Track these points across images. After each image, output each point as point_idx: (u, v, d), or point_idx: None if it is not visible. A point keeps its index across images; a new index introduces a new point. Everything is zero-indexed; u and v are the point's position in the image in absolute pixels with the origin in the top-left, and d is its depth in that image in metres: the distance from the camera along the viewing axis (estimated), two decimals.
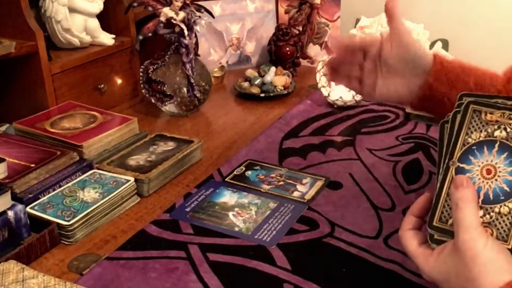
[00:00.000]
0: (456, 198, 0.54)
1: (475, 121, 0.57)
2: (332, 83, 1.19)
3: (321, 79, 1.22)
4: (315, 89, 1.30)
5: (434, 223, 0.57)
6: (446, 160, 0.58)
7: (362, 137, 1.09)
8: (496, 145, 0.56)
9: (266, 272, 0.71)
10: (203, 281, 0.69)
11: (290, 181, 0.92)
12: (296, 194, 0.89)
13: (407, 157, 1.01)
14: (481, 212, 0.54)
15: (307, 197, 0.88)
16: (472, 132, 0.57)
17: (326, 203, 0.87)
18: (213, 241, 0.77)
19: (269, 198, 0.87)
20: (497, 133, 0.56)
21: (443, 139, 0.59)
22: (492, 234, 0.54)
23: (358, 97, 1.21)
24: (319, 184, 0.92)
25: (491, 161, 0.55)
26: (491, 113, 0.57)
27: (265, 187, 0.91)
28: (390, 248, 0.75)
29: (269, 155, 1.02)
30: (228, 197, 0.88)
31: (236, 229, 0.80)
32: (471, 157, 0.56)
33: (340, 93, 1.20)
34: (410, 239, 0.59)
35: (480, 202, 0.55)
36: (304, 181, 0.93)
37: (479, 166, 0.56)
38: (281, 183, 0.92)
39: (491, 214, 0.54)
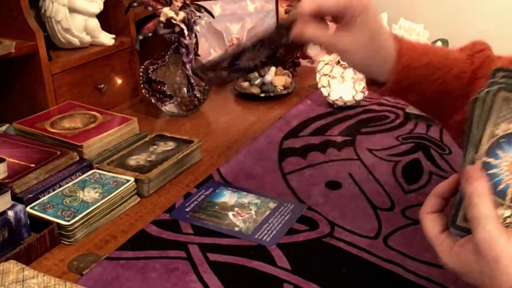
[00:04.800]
0: (469, 192, 0.51)
1: (505, 110, 0.51)
2: (332, 83, 1.19)
3: (321, 79, 1.22)
4: (315, 89, 1.30)
5: (458, 223, 0.53)
6: (472, 153, 0.53)
7: (362, 137, 1.09)
8: None
9: (266, 272, 0.71)
10: (203, 281, 0.69)
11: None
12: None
13: (407, 157, 1.01)
14: (508, 212, 0.51)
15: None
16: (500, 123, 0.51)
17: (326, 203, 0.87)
18: (213, 241, 0.77)
19: (269, 197, 0.87)
20: None
21: (471, 126, 0.53)
22: None
23: (358, 97, 1.21)
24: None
25: None
26: None
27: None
28: (390, 248, 0.75)
29: (269, 155, 1.02)
30: (228, 197, 0.88)
31: (236, 229, 0.80)
32: (499, 151, 0.51)
33: (340, 93, 1.20)
34: (431, 224, 0.56)
35: (508, 201, 0.51)
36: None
37: (507, 161, 0.51)
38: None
39: None
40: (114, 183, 0.87)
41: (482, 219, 0.50)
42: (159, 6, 1.15)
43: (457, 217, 0.53)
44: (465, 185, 0.51)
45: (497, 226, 0.49)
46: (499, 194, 0.52)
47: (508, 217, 0.51)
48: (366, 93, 1.22)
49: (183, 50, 1.16)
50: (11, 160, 0.86)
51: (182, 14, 1.15)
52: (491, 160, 0.52)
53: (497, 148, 0.51)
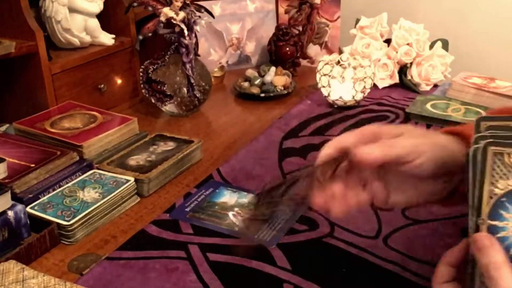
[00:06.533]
0: (484, 264, 0.45)
1: (498, 166, 0.47)
2: (332, 83, 1.19)
3: (321, 79, 1.22)
4: (315, 89, 1.30)
5: None
6: (474, 218, 0.47)
7: None
8: None
9: (266, 272, 0.71)
10: (203, 281, 0.69)
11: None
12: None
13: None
14: None
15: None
16: (497, 180, 0.47)
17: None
18: (213, 241, 0.77)
19: None
20: None
21: (468, 188, 0.48)
22: None
23: (358, 97, 1.21)
24: None
25: None
26: None
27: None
28: (390, 248, 0.75)
29: (269, 155, 1.02)
30: (228, 197, 0.88)
31: (236, 229, 0.80)
32: (502, 212, 0.47)
33: (340, 93, 1.20)
34: None
35: None
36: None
37: None
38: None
39: None
40: (114, 183, 0.87)
41: None
42: (159, 6, 1.15)
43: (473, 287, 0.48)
44: (478, 255, 0.46)
45: None
46: None
47: None
48: (366, 93, 1.22)
49: (183, 50, 1.16)
50: (11, 160, 0.86)
51: (182, 14, 1.15)
52: (496, 222, 0.47)
53: (500, 209, 0.47)
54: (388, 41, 1.36)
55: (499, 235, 0.46)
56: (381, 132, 0.57)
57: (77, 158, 0.92)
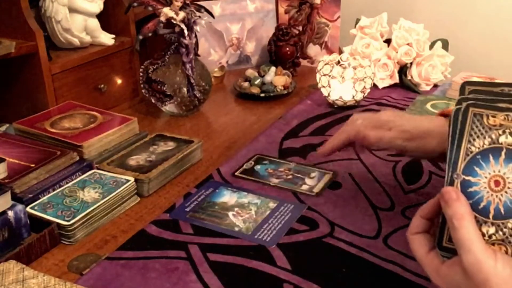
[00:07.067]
0: (449, 215, 0.50)
1: (476, 126, 0.51)
2: (332, 83, 1.19)
3: (321, 79, 1.22)
4: (315, 89, 1.30)
5: (444, 244, 0.52)
6: (450, 173, 0.52)
7: None
8: (503, 153, 0.50)
9: (266, 272, 0.71)
10: (203, 281, 0.69)
11: (299, 175, 0.94)
12: (304, 187, 0.90)
13: (407, 157, 1.01)
14: (492, 229, 0.49)
15: (316, 190, 0.89)
16: (475, 139, 0.51)
17: (325, 203, 0.87)
18: (213, 241, 0.77)
19: (269, 197, 0.87)
20: (502, 139, 0.50)
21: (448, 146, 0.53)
22: (506, 252, 0.49)
23: (358, 97, 1.21)
24: (326, 178, 0.93)
25: (499, 171, 0.50)
26: (493, 116, 0.50)
27: (274, 180, 0.92)
28: (390, 248, 0.75)
29: (269, 155, 1.02)
30: (228, 197, 0.88)
31: (236, 229, 0.80)
32: (476, 168, 0.51)
33: (340, 93, 1.20)
34: (418, 244, 0.55)
35: (491, 218, 0.50)
36: (312, 174, 0.94)
37: (486, 177, 0.50)
38: (290, 177, 0.93)
39: (504, 230, 0.49)
40: (114, 183, 0.87)
41: (466, 243, 0.48)
42: (159, 6, 1.15)
43: (442, 238, 0.52)
44: (444, 207, 0.50)
45: (482, 248, 0.48)
46: (482, 212, 0.51)
47: (493, 234, 0.50)
48: (366, 93, 1.22)
49: (183, 50, 1.16)
50: (11, 160, 0.86)
51: (182, 14, 1.15)
52: (469, 178, 0.51)
53: (474, 166, 0.51)
54: (388, 41, 1.36)
55: (471, 189, 0.51)
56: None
57: (77, 158, 0.92)
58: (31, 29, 1.04)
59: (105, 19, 1.24)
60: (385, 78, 1.34)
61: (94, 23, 1.21)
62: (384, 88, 1.34)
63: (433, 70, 1.31)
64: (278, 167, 0.96)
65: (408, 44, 1.31)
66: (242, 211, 0.84)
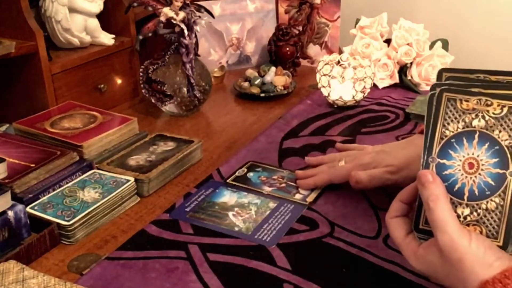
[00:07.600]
0: (425, 197, 0.52)
1: (450, 110, 0.53)
2: (332, 83, 1.19)
3: (321, 79, 1.22)
4: (315, 89, 1.30)
5: (420, 226, 0.54)
6: (425, 157, 0.54)
7: (362, 137, 1.09)
8: (476, 136, 0.52)
9: (266, 272, 0.71)
10: (203, 281, 0.69)
11: (292, 183, 0.92)
12: (298, 196, 0.88)
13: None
14: (467, 210, 0.51)
15: (309, 199, 0.87)
16: (449, 124, 0.53)
17: (325, 203, 0.87)
18: (213, 241, 0.77)
19: (269, 198, 0.87)
20: (475, 122, 0.52)
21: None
22: (481, 232, 0.51)
23: (358, 97, 1.21)
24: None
25: (473, 154, 0.52)
26: (466, 101, 0.52)
27: (267, 189, 0.90)
28: (390, 248, 0.75)
29: (269, 155, 1.02)
30: (228, 197, 0.88)
31: (236, 229, 0.80)
32: (451, 152, 0.53)
33: (340, 93, 1.20)
34: (396, 227, 0.57)
35: (465, 199, 0.52)
36: None
37: (460, 160, 0.52)
38: (283, 185, 0.91)
39: (479, 211, 0.51)
40: (114, 183, 0.87)
41: (442, 223, 0.50)
42: (159, 6, 1.15)
43: (419, 221, 0.54)
44: (420, 189, 0.52)
45: (457, 228, 0.50)
46: (456, 194, 0.53)
47: (468, 215, 0.52)
48: (366, 93, 1.22)
49: (183, 50, 1.16)
50: (11, 160, 0.86)
51: (182, 14, 1.15)
52: (444, 161, 0.53)
53: (448, 149, 0.53)
54: (388, 41, 1.36)
55: (446, 172, 0.53)
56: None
57: (77, 158, 0.92)
58: (31, 29, 1.04)
59: (105, 19, 1.24)
60: (385, 78, 1.34)
61: (94, 23, 1.21)
62: (384, 88, 1.34)
63: (433, 70, 1.31)
64: (271, 175, 0.94)
65: (408, 44, 1.31)
66: (242, 211, 0.84)
